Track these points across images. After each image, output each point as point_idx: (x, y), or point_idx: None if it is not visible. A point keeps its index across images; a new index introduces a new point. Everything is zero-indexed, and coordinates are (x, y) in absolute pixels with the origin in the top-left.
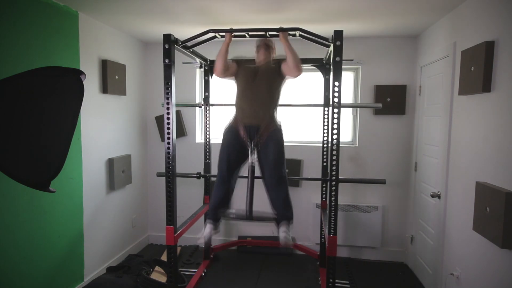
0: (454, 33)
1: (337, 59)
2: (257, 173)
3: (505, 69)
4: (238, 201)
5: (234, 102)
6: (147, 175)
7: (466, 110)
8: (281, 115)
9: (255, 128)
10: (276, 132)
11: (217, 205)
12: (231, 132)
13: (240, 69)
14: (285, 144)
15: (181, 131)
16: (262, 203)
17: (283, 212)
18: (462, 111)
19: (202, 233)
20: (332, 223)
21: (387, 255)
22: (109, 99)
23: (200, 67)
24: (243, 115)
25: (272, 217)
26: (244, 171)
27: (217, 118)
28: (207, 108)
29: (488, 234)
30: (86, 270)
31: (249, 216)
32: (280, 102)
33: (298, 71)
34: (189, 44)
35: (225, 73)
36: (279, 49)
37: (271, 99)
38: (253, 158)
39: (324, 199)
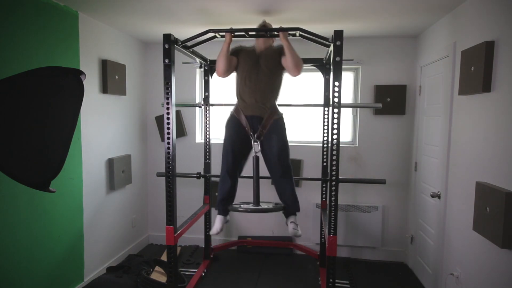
0: (454, 33)
1: (337, 59)
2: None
3: (505, 69)
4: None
5: (235, 90)
6: (147, 175)
7: (466, 110)
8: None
9: (258, 119)
10: (278, 122)
11: (225, 198)
12: (234, 124)
13: (240, 58)
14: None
15: (181, 131)
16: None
17: (290, 205)
18: (462, 111)
19: (213, 227)
20: (332, 223)
21: (387, 255)
22: (109, 99)
23: (200, 67)
24: (245, 105)
25: (279, 208)
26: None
27: (217, 118)
28: (207, 108)
29: (488, 234)
30: (86, 270)
31: (257, 208)
32: (280, 100)
33: (297, 71)
34: (189, 44)
35: (227, 73)
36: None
37: (272, 89)
38: (256, 149)
39: (324, 199)
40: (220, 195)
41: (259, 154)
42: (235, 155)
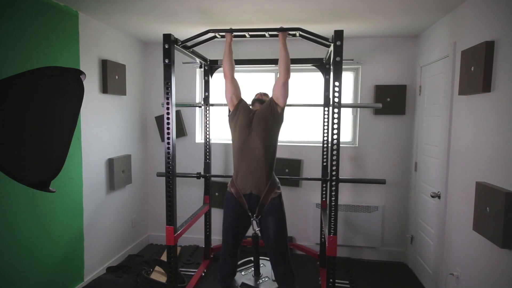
0: (454, 33)
1: (337, 59)
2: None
3: (505, 69)
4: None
5: (232, 154)
6: (147, 175)
7: (466, 110)
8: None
9: (255, 198)
10: (275, 201)
11: (226, 275)
12: (233, 204)
13: (239, 108)
14: (286, 144)
15: (181, 131)
16: None
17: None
18: (462, 111)
19: None
20: (332, 223)
21: (387, 255)
22: (109, 99)
23: (200, 67)
24: (242, 182)
25: None
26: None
27: (217, 118)
28: (207, 108)
29: (488, 234)
30: (86, 270)
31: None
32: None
33: (286, 73)
34: (189, 44)
35: (231, 72)
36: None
37: (268, 155)
38: (255, 227)
39: (324, 199)
40: (222, 272)
41: (258, 232)
42: (234, 236)
